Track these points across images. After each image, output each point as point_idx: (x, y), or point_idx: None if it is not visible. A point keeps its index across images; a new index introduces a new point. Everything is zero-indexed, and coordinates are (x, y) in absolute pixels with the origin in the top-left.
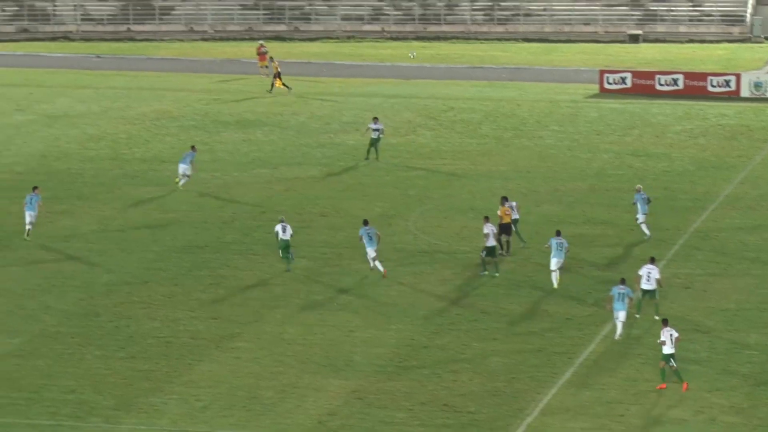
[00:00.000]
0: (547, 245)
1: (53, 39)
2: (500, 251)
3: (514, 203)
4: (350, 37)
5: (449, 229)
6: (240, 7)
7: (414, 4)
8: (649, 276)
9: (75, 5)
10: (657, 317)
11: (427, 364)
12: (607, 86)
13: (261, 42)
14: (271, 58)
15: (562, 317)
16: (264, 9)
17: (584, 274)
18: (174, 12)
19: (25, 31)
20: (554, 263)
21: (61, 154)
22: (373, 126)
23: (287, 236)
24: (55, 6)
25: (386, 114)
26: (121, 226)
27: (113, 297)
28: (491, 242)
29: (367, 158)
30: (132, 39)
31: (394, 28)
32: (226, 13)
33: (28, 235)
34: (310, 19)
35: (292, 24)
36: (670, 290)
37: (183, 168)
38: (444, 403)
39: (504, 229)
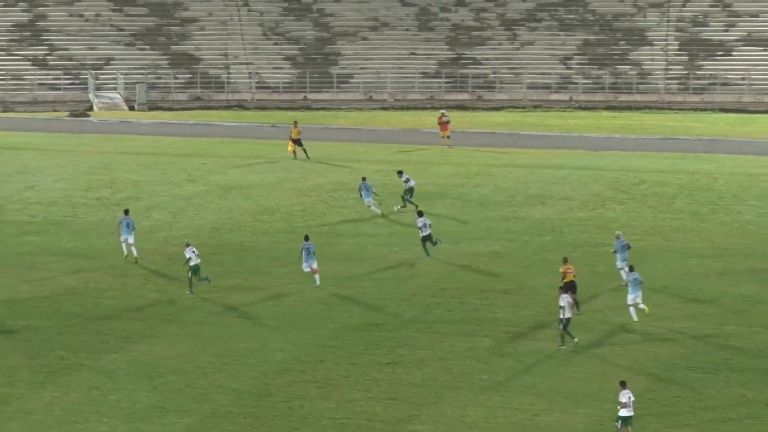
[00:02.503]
0: (623, 283)
1: (227, 107)
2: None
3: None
4: (536, 106)
5: (641, 309)
6: (421, 75)
7: (604, 72)
8: None
9: (250, 73)
10: None
11: None
12: None
13: (443, 111)
14: (295, 122)
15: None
16: (446, 77)
17: None
18: (352, 80)
19: (198, 99)
20: (631, 298)
21: (234, 227)
22: (404, 178)
23: (198, 260)
24: (229, 74)
25: (574, 187)
26: (296, 303)
27: (287, 376)
28: (568, 314)
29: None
30: (308, 108)
31: (582, 97)
32: (406, 81)
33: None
34: (494, 87)
35: (475, 93)
36: None
37: (368, 201)
38: None
39: (569, 287)
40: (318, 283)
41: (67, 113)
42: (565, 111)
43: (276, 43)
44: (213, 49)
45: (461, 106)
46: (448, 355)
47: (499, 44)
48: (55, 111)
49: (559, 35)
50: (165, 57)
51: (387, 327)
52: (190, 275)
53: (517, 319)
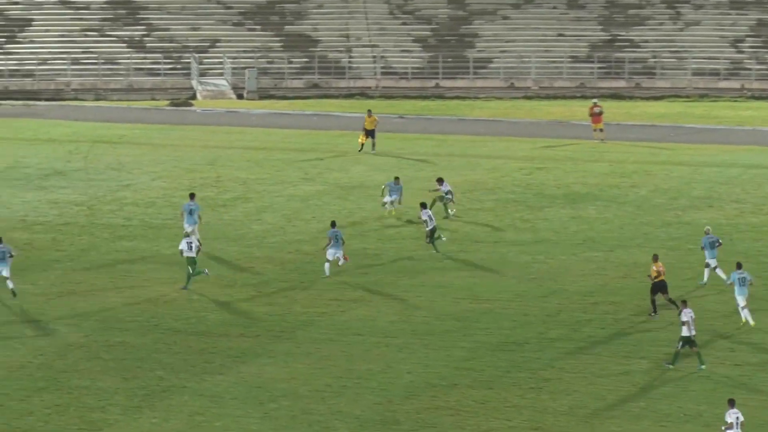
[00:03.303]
0: (729, 281)
1: (348, 96)
2: (651, 313)
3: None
4: (703, 95)
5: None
6: (570, 60)
7: None
8: None
9: (374, 57)
10: None
11: None
12: None
13: (595, 101)
14: (369, 111)
15: None
16: (599, 62)
17: None
18: (491, 65)
19: (316, 86)
20: (741, 299)
21: (356, 232)
22: (442, 188)
23: (193, 253)
24: (350, 57)
25: (745, 188)
26: (426, 318)
27: (415, 401)
28: (689, 331)
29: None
30: (441, 96)
31: (756, 85)
32: (553, 67)
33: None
34: (654, 73)
35: (632, 80)
36: None
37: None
38: None
39: (659, 287)
40: (341, 263)
41: (167, 102)
42: (735, 101)
43: (404, 23)
44: (333, 29)
45: (616, 95)
46: (600, 379)
47: (660, 24)
48: (153, 100)
49: (730, 14)
50: (278, 39)
51: (530, 347)
52: (189, 270)
53: (677, 338)
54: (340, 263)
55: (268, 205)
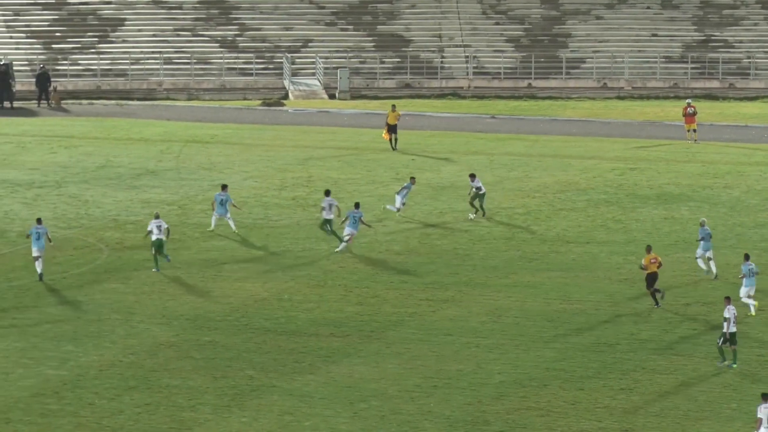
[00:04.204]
0: (741, 274)
1: (440, 96)
2: (656, 305)
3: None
4: None
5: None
6: (664, 60)
7: None
8: None
9: (467, 57)
10: None
11: None
12: None
13: (688, 101)
14: (394, 105)
15: None
16: (693, 62)
17: None
18: (584, 65)
19: (408, 86)
20: (745, 291)
21: (447, 232)
22: (474, 184)
23: (162, 235)
24: (443, 57)
25: None
26: (517, 319)
27: (505, 402)
28: (731, 327)
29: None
30: (533, 97)
31: None
32: (646, 67)
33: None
34: (748, 74)
35: (726, 80)
36: None
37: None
38: None
39: (652, 278)
40: (343, 245)
41: (259, 102)
42: None
43: (497, 23)
44: (425, 29)
45: (710, 96)
46: (692, 381)
47: (755, 24)
48: (245, 99)
49: None
50: (370, 38)
51: (621, 348)
52: (153, 251)
53: None
54: (345, 239)
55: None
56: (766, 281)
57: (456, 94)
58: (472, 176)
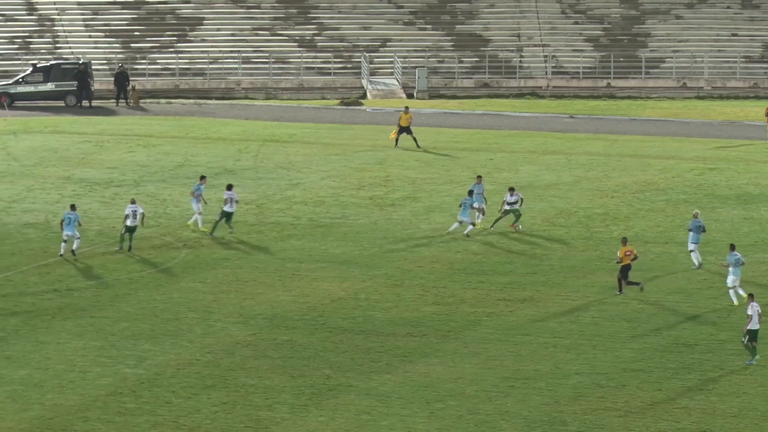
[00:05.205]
0: (725, 263)
1: (519, 95)
2: (618, 293)
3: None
4: None
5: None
6: (744, 59)
7: None
8: None
9: (546, 56)
10: None
11: None
12: None
13: None
14: (407, 108)
15: None
16: None
17: None
18: (664, 65)
19: (486, 86)
20: (732, 280)
21: (524, 232)
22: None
23: (137, 222)
24: (521, 57)
25: None
26: (594, 319)
27: (583, 402)
28: (754, 324)
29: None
30: (612, 96)
31: None
32: (726, 67)
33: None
34: None
35: None
36: None
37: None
38: None
39: (625, 270)
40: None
41: (338, 101)
42: None
43: (576, 23)
44: (504, 28)
45: None
46: None
47: None
48: (323, 99)
49: None
50: (449, 38)
51: (700, 348)
52: (123, 232)
53: None
54: (479, 218)
55: (436, 204)
56: None
57: (534, 93)
58: (511, 190)
